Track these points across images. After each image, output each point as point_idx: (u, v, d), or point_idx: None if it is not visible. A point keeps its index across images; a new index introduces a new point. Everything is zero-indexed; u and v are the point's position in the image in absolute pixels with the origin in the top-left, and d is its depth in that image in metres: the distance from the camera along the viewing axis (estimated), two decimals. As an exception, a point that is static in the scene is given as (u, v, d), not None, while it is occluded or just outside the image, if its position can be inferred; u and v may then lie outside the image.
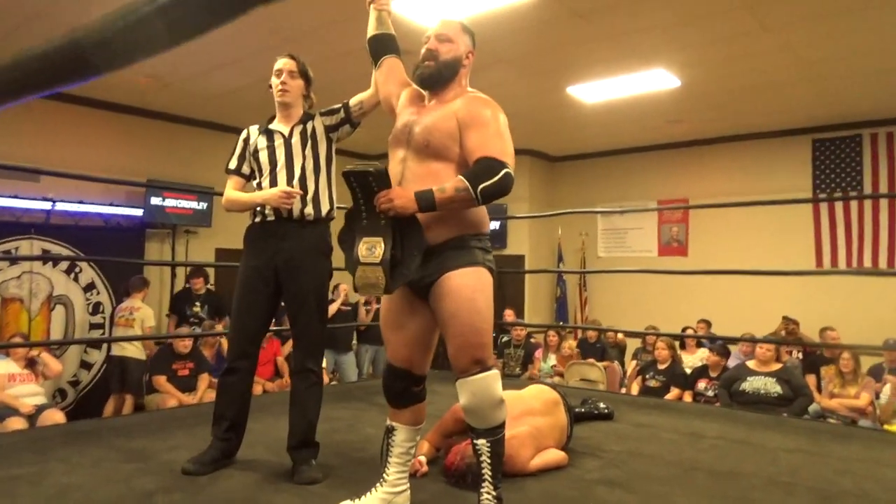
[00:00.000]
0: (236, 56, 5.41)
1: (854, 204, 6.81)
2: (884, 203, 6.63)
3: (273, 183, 2.56)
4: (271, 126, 2.67)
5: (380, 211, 1.86)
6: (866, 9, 4.32)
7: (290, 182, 2.54)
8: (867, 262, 6.70)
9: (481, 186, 1.84)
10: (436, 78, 2.08)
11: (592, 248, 8.79)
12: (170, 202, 7.20)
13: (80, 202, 6.54)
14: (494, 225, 8.12)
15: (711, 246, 7.74)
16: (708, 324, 6.79)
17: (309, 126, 2.65)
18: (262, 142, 2.63)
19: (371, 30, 2.34)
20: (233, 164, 2.70)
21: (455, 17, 2.22)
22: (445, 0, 4.35)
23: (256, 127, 2.70)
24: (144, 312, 6.05)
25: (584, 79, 5.84)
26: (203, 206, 7.39)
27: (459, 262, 1.92)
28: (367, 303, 7.01)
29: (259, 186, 2.61)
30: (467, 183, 1.84)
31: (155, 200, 7.07)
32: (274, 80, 2.65)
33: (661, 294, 7.66)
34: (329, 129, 2.67)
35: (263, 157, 2.60)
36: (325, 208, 2.60)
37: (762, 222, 7.16)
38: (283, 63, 2.65)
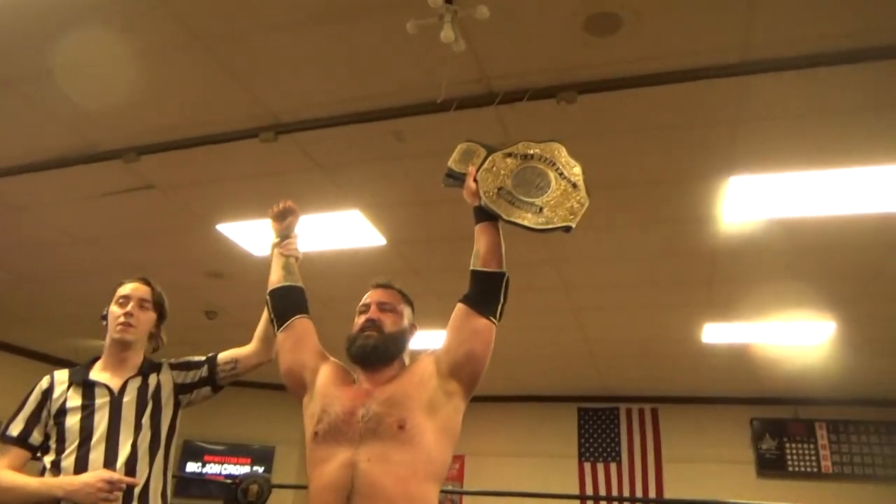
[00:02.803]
0: None
1: (614, 474, 7.26)
2: (639, 474, 7.17)
3: (82, 465, 1.76)
4: (93, 375, 1.92)
5: None
6: (648, 307, 4.97)
7: (110, 464, 1.77)
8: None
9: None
10: (381, 351, 1.70)
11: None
12: None
13: None
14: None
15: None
16: None
17: (151, 381, 1.97)
18: (73, 398, 1.86)
19: (276, 279, 1.93)
20: (15, 430, 1.84)
21: (389, 281, 1.90)
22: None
23: (66, 374, 1.93)
24: None
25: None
26: None
27: None
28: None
29: (54, 467, 1.78)
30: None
31: None
32: (114, 309, 1.98)
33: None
34: (180, 390, 2.01)
35: (72, 421, 1.82)
36: None
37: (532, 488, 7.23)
38: (131, 287, 2.02)
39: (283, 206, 2.03)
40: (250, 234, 4.15)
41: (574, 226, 1.62)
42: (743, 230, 3.76)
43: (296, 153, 3.24)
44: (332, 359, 1.82)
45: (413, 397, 1.59)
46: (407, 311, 1.83)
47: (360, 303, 1.83)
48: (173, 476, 2.02)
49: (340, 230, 4.07)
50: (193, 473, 6.53)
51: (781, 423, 6.90)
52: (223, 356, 2.08)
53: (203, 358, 2.07)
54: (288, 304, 1.87)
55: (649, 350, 6.01)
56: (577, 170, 1.69)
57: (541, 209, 1.64)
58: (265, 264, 4.22)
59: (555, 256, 4.15)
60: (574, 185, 1.66)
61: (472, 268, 1.69)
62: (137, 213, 3.94)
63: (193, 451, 7.15)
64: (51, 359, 6.84)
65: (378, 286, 1.85)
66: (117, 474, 1.74)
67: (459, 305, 1.68)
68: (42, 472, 1.80)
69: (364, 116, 2.98)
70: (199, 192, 3.71)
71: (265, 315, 2.04)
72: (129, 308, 1.97)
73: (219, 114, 3.02)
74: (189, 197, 3.77)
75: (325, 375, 1.74)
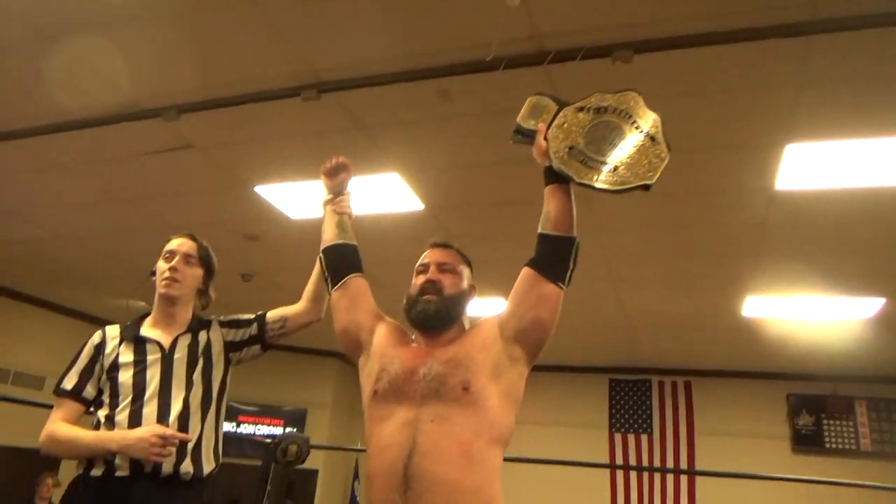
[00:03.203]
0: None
1: (645, 445, 7.22)
2: (670, 446, 7.12)
3: (135, 419, 1.75)
4: (143, 332, 1.91)
5: None
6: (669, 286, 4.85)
7: (163, 419, 1.77)
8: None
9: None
10: (442, 316, 1.65)
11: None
12: None
13: None
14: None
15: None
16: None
17: (202, 338, 1.95)
18: (125, 354, 1.85)
19: (330, 237, 1.87)
20: (69, 383, 1.84)
21: (447, 240, 1.84)
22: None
23: (117, 329, 1.92)
24: None
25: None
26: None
27: None
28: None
29: (108, 421, 1.78)
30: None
31: None
32: (161, 264, 1.95)
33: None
34: (230, 347, 1.99)
35: (125, 377, 1.81)
36: (208, 465, 1.84)
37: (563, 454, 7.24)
38: (177, 243, 1.99)
39: (336, 161, 1.97)
40: (288, 197, 4.12)
41: (653, 183, 1.51)
42: (795, 201, 3.62)
43: (337, 113, 3.18)
44: (388, 318, 1.78)
45: (477, 360, 1.55)
46: (466, 271, 1.77)
47: (419, 263, 1.78)
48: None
49: (378, 194, 4.02)
50: (228, 433, 6.64)
51: (820, 399, 6.77)
52: (272, 314, 2.05)
53: (252, 316, 2.04)
54: (342, 262, 1.83)
55: (687, 323, 5.90)
56: (656, 121, 1.56)
57: (615, 168, 1.53)
58: (302, 227, 4.31)
59: (596, 224, 4.04)
60: (652, 139, 1.54)
61: (540, 230, 1.62)
62: (176, 172, 3.93)
63: (227, 411, 7.24)
64: (95, 319, 6.99)
65: (436, 245, 1.80)
66: (170, 430, 1.73)
67: (526, 269, 1.62)
68: (96, 427, 1.80)
69: (409, 75, 2.89)
70: (238, 153, 3.68)
71: (316, 273, 2.01)
72: (174, 262, 1.94)
73: (260, 72, 2.96)
74: (228, 157, 3.74)
75: (382, 335, 1.70)
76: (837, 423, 6.63)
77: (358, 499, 7.70)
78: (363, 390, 1.66)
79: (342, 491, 8.00)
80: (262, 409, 7.87)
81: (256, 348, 2.02)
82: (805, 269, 4.50)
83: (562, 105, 1.68)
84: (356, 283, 1.80)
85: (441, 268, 1.71)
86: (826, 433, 6.64)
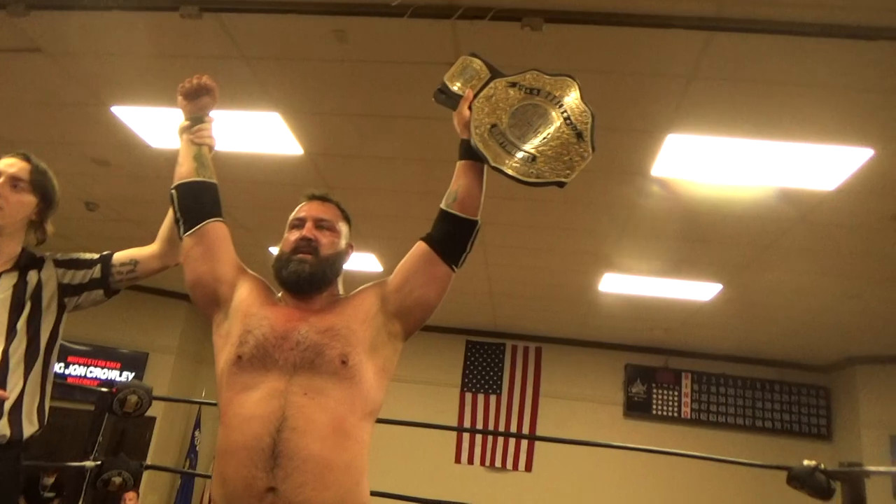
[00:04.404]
0: None
1: (493, 405, 7.51)
2: (516, 408, 7.46)
3: None
4: None
5: None
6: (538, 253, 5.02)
7: None
8: (498, 463, 7.31)
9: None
10: (318, 278, 1.51)
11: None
12: None
13: None
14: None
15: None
16: None
17: (31, 278, 1.66)
18: None
19: (185, 172, 1.60)
20: None
21: (326, 193, 1.68)
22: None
23: None
24: None
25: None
26: None
27: None
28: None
29: None
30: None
31: None
32: None
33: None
34: (66, 291, 1.71)
35: None
36: (29, 427, 1.60)
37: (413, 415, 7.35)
38: (5, 163, 1.68)
39: (198, 81, 1.65)
40: (150, 122, 3.69)
41: (568, 181, 1.45)
42: (665, 187, 3.81)
43: (219, 36, 2.85)
44: (251, 272, 1.60)
45: (356, 333, 1.45)
46: (345, 229, 1.64)
47: (293, 216, 1.61)
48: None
49: (254, 132, 3.72)
50: (55, 375, 6.01)
51: (652, 370, 7.38)
52: (120, 256, 1.78)
53: (96, 256, 1.77)
54: (198, 203, 1.58)
55: (547, 293, 6.13)
56: (587, 116, 1.50)
57: (534, 158, 1.46)
58: (164, 157, 3.89)
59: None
60: (579, 135, 1.47)
61: (445, 208, 1.52)
62: (18, 79, 3.37)
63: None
64: None
65: (314, 198, 1.64)
66: None
67: (422, 246, 1.53)
68: None
69: (306, 7, 2.65)
70: (97, 66, 3.21)
71: (171, 213, 1.73)
72: None
73: (133, -25, 2.58)
74: (83, 69, 3.25)
75: (245, 292, 1.53)
76: (665, 392, 7.28)
77: (197, 448, 7.35)
78: (218, 352, 1.49)
79: (181, 439, 7.60)
80: (97, 350, 7.22)
81: (99, 293, 1.75)
82: (658, 252, 4.80)
83: (494, 74, 1.57)
84: (214, 229, 1.57)
85: (318, 224, 1.56)
86: (654, 401, 7.27)
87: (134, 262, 1.77)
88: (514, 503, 7.01)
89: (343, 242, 1.61)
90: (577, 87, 1.54)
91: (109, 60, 3.15)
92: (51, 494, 6.10)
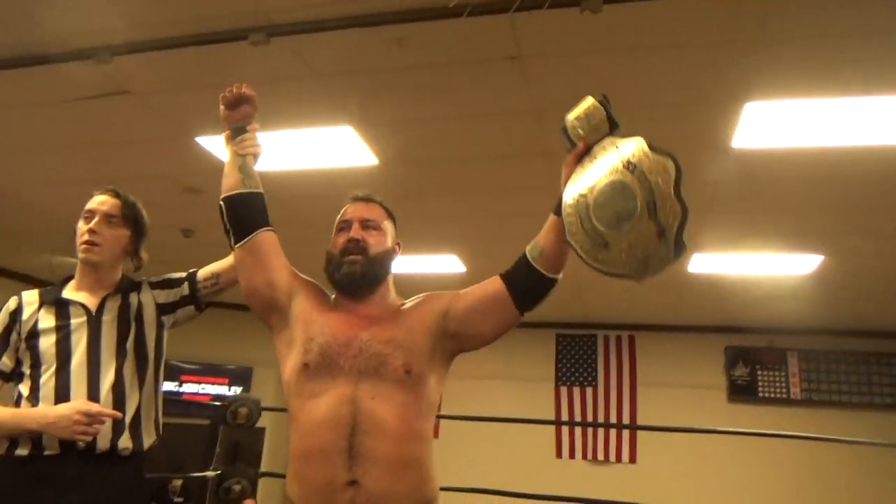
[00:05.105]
0: None
1: (590, 398, 7.40)
2: (613, 399, 7.32)
3: (63, 392, 1.59)
4: (66, 294, 1.73)
5: None
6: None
7: (93, 392, 1.61)
8: (600, 456, 7.19)
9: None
10: (370, 278, 1.57)
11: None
12: None
13: None
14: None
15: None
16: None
17: (133, 300, 1.78)
18: (46, 319, 1.67)
19: (232, 184, 1.63)
20: None
21: (369, 193, 1.72)
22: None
23: (36, 294, 1.73)
24: None
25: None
26: None
27: None
28: None
29: (32, 395, 1.61)
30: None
31: None
32: (80, 225, 1.77)
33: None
34: (162, 310, 1.83)
35: (47, 344, 1.64)
36: (148, 439, 1.71)
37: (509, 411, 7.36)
38: (98, 201, 1.80)
39: (237, 90, 1.65)
40: (233, 148, 3.89)
41: (639, 280, 1.37)
42: (748, 159, 3.65)
43: (288, 58, 2.97)
44: (303, 277, 1.65)
45: (419, 344, 1.52)
46: (390, 227, 1.69)
47: (339, 218, 1.67)
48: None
49: (329, 147, 3.85)
50: (170, 392, 6.45)
51: (755, 350, 7.05)
52: (203, 272, 1.89)
53: (183, 275, 1.89)
54: (246, 214, 1.62)
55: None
56: (676, 212, 1.33)
57: (606, 244, 1.36)
58: None
59: (556, 171, 3.99)
60: (661, 234, 1.33)
61: (530, 260, 1.52)
62: (110, 120, 3.64)
63: (169, 371, 7.06)
64: (24, 277, 6.56)
65: (358, 199, 1.69)
66: (97, 406, 1.58)
67: (500, 285, 1.55)
68: (17, 402, 1.65)
69: (365, 20, 2.72)
70: (179, 100, 3.42)
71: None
72: (92, 224, 1.76)
73: (204, 11, 2.73)
74: (168, 105, 3.48)
75: (303, 298, 1.59)
76: (771, 373, 6.94)
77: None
78: (282, 358, 1.56)
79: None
80: (205, 368, 7.66)
81: (191, 309, 1.87)
82: (749, 227, 4.59)
83: (613, 126, 1.46)
84: (264, 239, 1.62)
85: (364, 224, 1.61)
86: (760, 383, 6.94)
87: (216, 276, 1.88)
88: (620, 495, 6.83)
89: (390, 241, 1.66)
90: (674, 172, 1.38)
91: (191, 94, 3.34)
92: (180, 500, 6.52)
